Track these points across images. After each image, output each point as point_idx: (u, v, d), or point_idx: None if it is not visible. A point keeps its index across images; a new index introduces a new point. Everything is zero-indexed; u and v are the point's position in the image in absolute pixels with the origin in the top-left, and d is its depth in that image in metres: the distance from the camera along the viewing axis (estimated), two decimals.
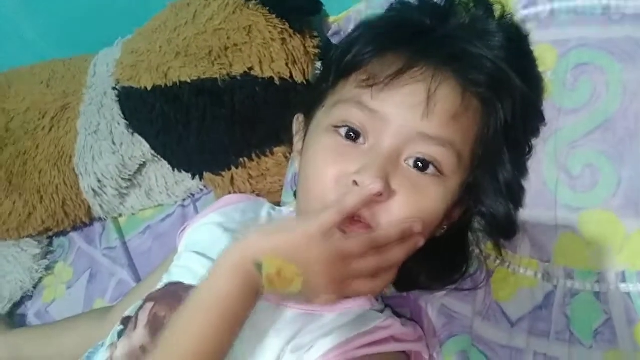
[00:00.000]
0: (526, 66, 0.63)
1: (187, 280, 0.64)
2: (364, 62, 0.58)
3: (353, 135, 0.57)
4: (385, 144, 0.55)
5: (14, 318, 0.99)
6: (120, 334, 0.62)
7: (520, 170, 0.62)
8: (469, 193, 0.60)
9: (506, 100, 0.58)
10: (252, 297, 0.48)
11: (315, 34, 0.86)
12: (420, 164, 0.55)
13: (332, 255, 0.48)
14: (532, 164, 0.63)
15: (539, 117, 0.63)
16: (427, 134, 0.55)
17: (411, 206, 0.55)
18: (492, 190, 0.60)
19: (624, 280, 0.56)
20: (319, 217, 0.49)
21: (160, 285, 0.66)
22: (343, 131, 0.57)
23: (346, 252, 0.49)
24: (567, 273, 0.58)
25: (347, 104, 0.58)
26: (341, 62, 0.61)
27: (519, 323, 0.59)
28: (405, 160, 0.56)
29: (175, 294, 0.62)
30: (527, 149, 0.63)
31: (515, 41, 0.63)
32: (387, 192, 0.54)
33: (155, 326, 0.60)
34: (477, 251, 0.64)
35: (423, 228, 0.55)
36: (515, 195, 0.61)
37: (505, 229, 0.61)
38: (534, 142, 0.63)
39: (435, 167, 0.56)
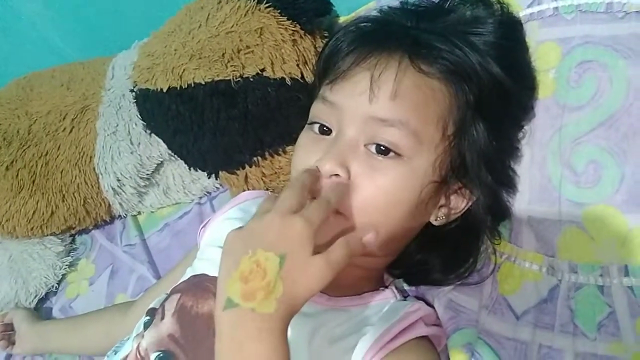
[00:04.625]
0: (510, 51, 0.63)
1: (211, 272, 0.66)
2: (337, 61, 0.61)
3: (326, 129, 0.61)
4: (344, 132, 0.58)
5: (40, 313, 1.03)
6: (146, 325, 0.64)
7: (506, 149, 0.64)
8: (457, 177, 0.60)
9: (470, 82, 0.59)
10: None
11: (326, 34, 0.88)
12: (382, 148, 0.57)
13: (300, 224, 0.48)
14: (536, 160, 0.64)
15: (514, 99, 0.63)
16: (377, 117, 0.57)
17: (372, 185, 0.57)
18: (474, 170, 0.60)
19: (627, 274, 0.57)
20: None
21: (184, 278, 0.68)
22: (316, 127, 0.61)
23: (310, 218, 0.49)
24: (571, 267, 0.60)
25: (317, 101, 0.62)
26: (319, 64, 0.65)
27: (524, 316, 0.61)
28: (365, 146, 0.58)
29: (201, 284, 0.65)
30: (517, 130, 0.65)
31: (505, 29, 0.64)
32: (345, 174, 0.56)
33: (183, 315, 0.62)
34: (483, 246, 0.65)
35: (395, 206, 0.57)
36: (498, 172, 0.62)
37: (493, 208, 0.62)
38: (539, 139, 0.64)
39: (393, 149, 0.57)
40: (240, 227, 0.50)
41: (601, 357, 0.56)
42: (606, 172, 0.59)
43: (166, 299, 0.65)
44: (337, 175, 0.56)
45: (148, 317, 0.65)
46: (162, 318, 0.63)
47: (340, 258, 0.48)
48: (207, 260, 0.69)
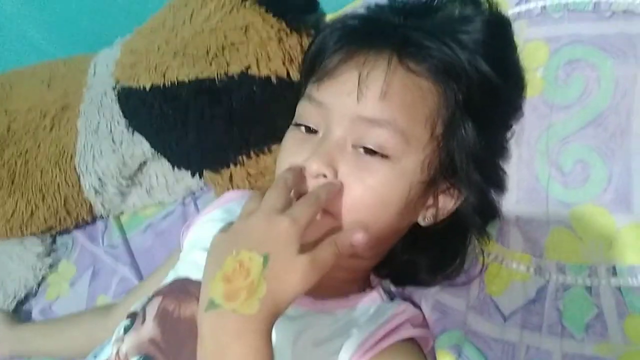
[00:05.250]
0: (498, 50, 0.63)
1: (194, 275, 0.65)
2: (323, 59, 0.60)
3: (313, 129, 0.59)
4: (331, 132, 0.57)
5: (20, 315, 1.01)
6: (127, 329, 0.62)
7: (495, 149, 0.63)
8: (446, 178, 0.60)
9: (459, 81, 0.58)
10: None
11: (312, 31, 0.87)
12: (370, 148, 0.56)
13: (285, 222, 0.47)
14: (524, 160, 0.63)
15: (503, 98, 0.62)
16: (365, 117, 0.56)
17: (361, 185, 0.56)
18: (463, 170, 0.59)
19: (614, 275, 0.56)
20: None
21: (167, 281, 0.67)
22: (302, 127, 0.60)
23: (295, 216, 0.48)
24: (559, 267, 0.59)
25: (303, 100, 0.61)
26: (305, 62, 0.64)
27: (512, 317, 0.60)
28: (353, 147, 0.57)
29: (183, 288, 0.64)
30: (505, 129, 0.64)
31: (493, 28, 0.63)
32: (332, 174, 0.55)
33: (164, 319, 0.61)
34: (470, 246, 0.65)
35: (383, 206, 0.56)
36: (487, 172, 0.61)
37: (482, 208, 0.62)
38: (527, 138, 0.64)
39: (380, 151, 0.56)
40: (225, 228, 0.49)
41: (589, 358, 0.55)
42: (594, 171, 0.59)
43: (148, 302, 0.64)
44: (324, 175, 0.55)
45: (128, 321, 0.63)
46: (143, 322, 0.62)
47: (327, 258, 0.48)
48: (190, 263, 0.68)
